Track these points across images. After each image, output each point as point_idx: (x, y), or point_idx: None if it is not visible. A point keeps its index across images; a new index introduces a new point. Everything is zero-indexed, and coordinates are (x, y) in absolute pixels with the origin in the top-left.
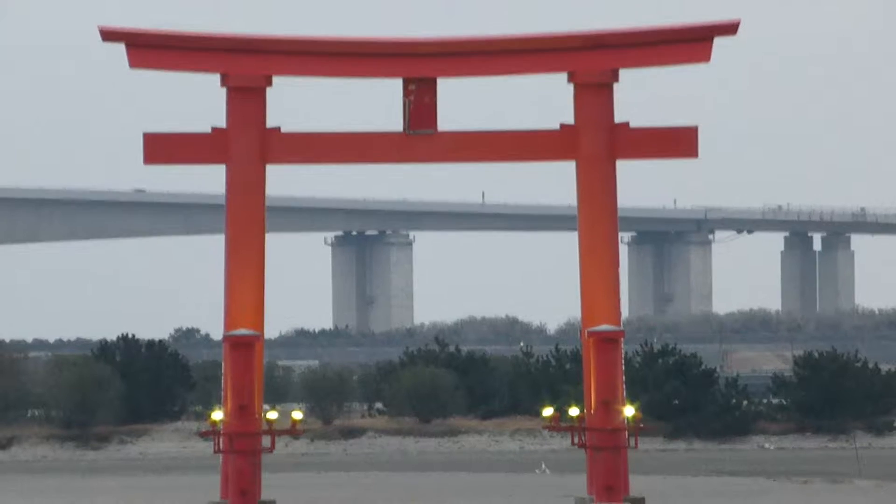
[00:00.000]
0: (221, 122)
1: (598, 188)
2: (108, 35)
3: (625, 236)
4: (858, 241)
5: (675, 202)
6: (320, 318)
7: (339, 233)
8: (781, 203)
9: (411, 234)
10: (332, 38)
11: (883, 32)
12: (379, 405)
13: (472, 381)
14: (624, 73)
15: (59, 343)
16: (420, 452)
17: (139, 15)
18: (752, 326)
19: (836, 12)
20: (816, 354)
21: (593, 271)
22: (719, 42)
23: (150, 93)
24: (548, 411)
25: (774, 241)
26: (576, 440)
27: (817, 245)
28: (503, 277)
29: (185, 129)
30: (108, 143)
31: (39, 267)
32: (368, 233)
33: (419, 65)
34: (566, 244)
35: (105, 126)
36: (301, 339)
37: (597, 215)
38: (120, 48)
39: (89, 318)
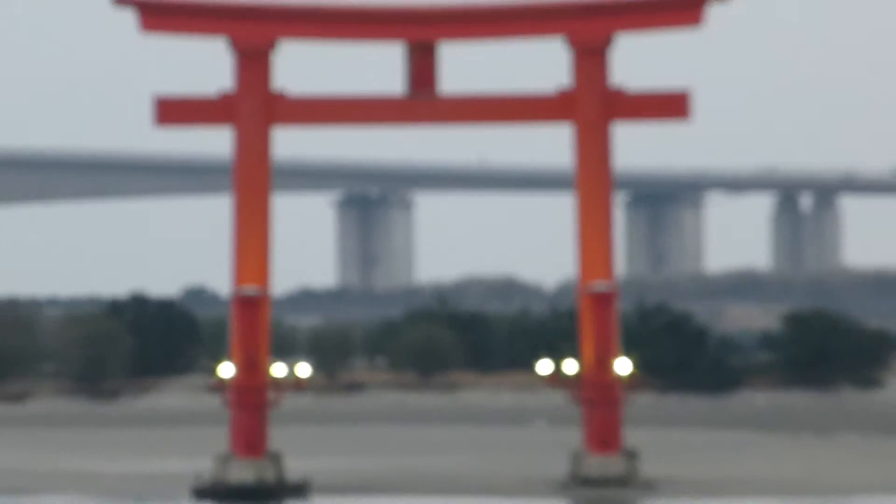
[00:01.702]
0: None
1: (594, 150)
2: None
3: (620, 197)
4: (845, 204)
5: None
6: (325, 276)
7: (343, 195)
8: (772, 165)
9: (412, 195)
10: (335, 3)
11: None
12: (381, 361)
13: (472, 338)
14: (622, 40)
15: (72, 300)
16: (420, 406)
17: None
18: (742, 285)
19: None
20: (804, 312)
21: (589, 231)
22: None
23: (158, 57)
24: (545, 367)
25: (765, 203)
26: (573, 395)
27: (807, 206)
28: (501, 237)
29: (193, 93)
30: (116, 106)
31: (52, 226)
32: (371, 195)
33: (420, 29)
34: (563, 205)
35: (112, 89)
36: (306, 297)
37: (593, 177)
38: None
39: (101, 276)
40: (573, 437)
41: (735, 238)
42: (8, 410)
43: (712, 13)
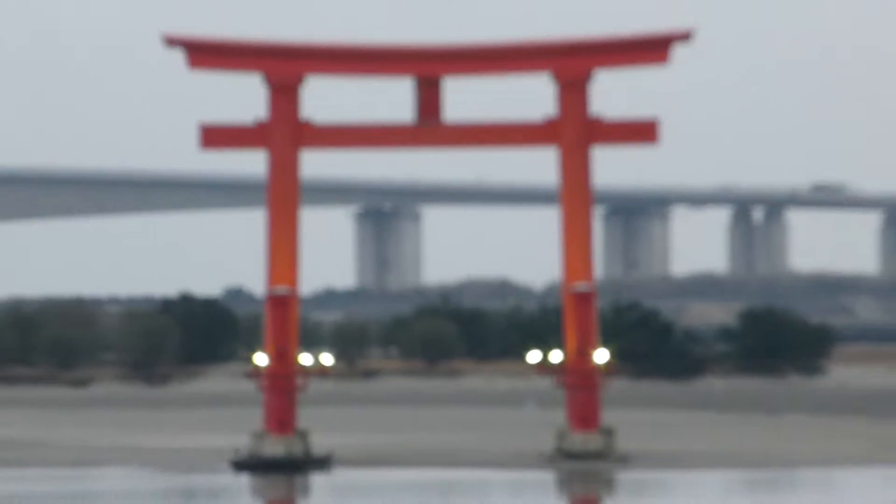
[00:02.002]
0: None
1: (576, 170)
2: (171, 40)
3: (598, 211)
4: (792, 218)
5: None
6: (345, 278)
7: (361, 208)
8: (728, 183)
9: (420, 209)
10: (353, 44)
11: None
12: (394, 351)
13: (471, 331)
14: (600, 75)
15: (130, 299)
16: (427, 390)
17: (178, 18)
18: (703, 286)
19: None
20: (756, 310)
21: (572, 239)
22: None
23: (199, 88)
24: (534, 357)
25: (722, 215)
26: (558, 381)
27: (758, 218)
28: (496, 245)
29: (233, 121)
30: (167, 132)
31: (114, 235)
32: (384, 208)
33: (427, 66)
34: (549, 217)
35: (161, 117)
36: (329, 296)
37: (575, 193)
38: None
39: (155, 279)
40: (558, 416)
41: (696, 246)
42: (74, 394)
43: (677, 52)
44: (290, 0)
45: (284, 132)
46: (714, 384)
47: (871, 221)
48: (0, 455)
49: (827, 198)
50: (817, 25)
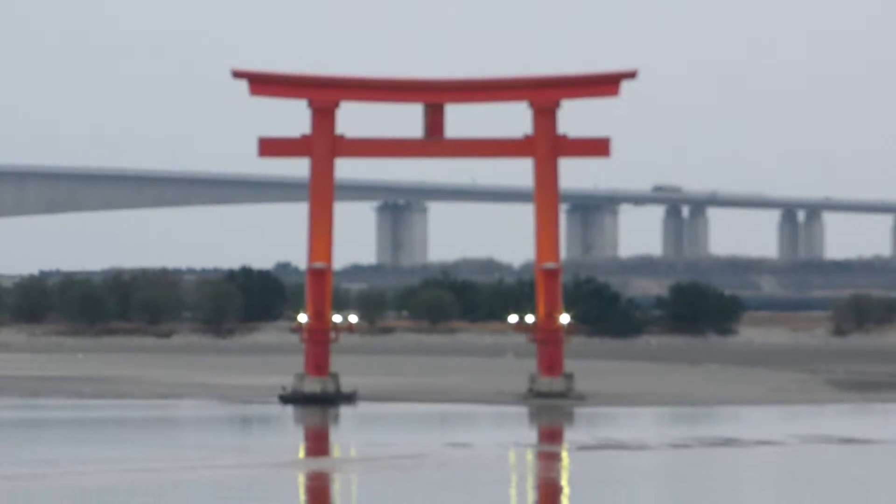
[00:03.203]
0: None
1: (547, 176)
2: (237, 73)
3: (563, 207)
4: (716, 216)
5: (594, 185)
6: (368, 257)
7: (380, 203)
8: (664, 185)
9: (427, 204)
10: (376, 78)
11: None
12: (405, 313)
13: (464, 298)
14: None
15: (203, 270)
16: (430, 343)
17: (239, 55)
18: (643, 265)
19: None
20: (683, 284)
21: (543, 229)
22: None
23: (262, 110)
24: (513, 318)
25: (658, 211)
26: (531, 337)
27: (685, 213)
28: (486, 232)
29: (283, 135)
30: (234, 143)
31: (193, 223)
32: (399, 203)
33: (432, 95)
34: (527, 212)
35: (230, 129)
36: (355, 270)
37: (546, 193)
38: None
39: (223, 255)
40: (530, 365)
41: (638, 234)
42: (160, 343)
43: (626, 85)
44: (327, 37)
45: (323, 144)
46: (650, 341)
47: (772, 217)
48: (106, 388)
49: (738, 199)
50: (726, 70)
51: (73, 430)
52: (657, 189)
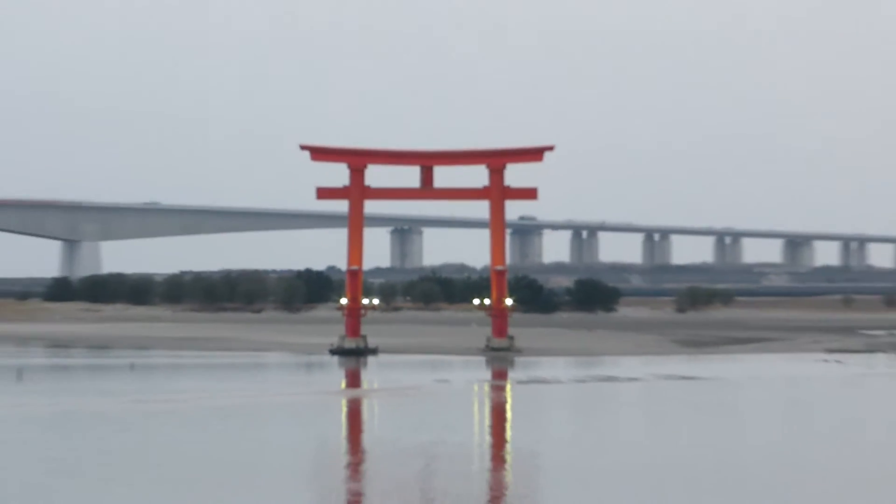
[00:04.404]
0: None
1: (498, 212)
2: (303, 147)
3: (509, 232)
4: (604, 238)
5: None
6: (384, 262)
7: (392, 228)
8: (569, 218)
9: (422, 229)
10: (389, 149)
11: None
12: (408, 298)
13: (446, 289)
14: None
15: (280, 270)
16: (424, 317)
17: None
18: (558, 268)
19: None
20: (583, 280)
21: (495, 245)
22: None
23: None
24: (476, 302)
25: (567, 234)
26: (488, 312)
27: (584, 236)
28: (460, 247)
29: (331, 184)
30: (301, 191)
31: (276, 243)
32: (404, 228)
33: (425, 160)
34: (485, 234)
35: (297, 184)
36: (376, 271)
37: (497, 222)
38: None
39: (294, 261)
40: (487, 331)
41: (554, 249)
42: (254, 317)
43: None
44: (357, 116)
45: (357, 192)
46: (562, 316)
47: (638, 237)
48: (219, 345)
49: (617, 226)
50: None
51: (198, 372)
52: (567, 220)
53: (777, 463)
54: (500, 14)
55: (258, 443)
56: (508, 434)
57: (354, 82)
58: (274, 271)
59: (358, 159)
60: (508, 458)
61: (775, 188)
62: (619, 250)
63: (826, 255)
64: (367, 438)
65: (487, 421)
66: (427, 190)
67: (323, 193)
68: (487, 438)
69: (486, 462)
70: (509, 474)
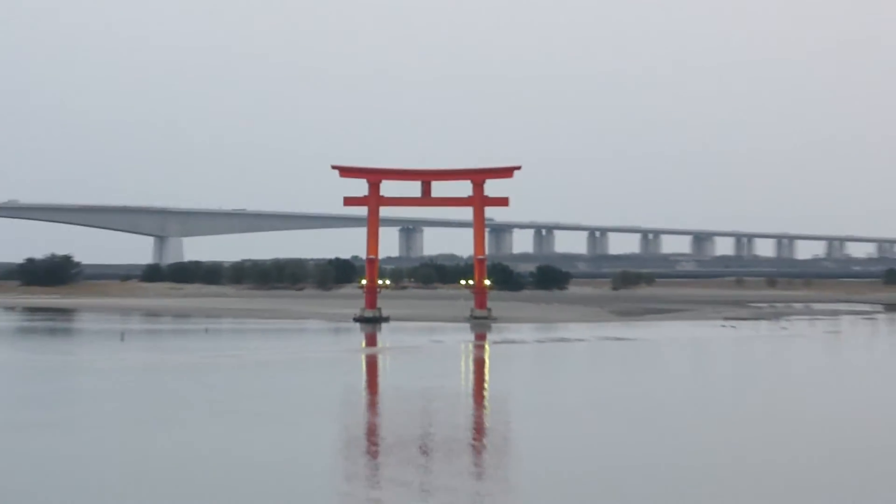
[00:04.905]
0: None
1: (479, 214)
2: (333, 167)
3: (487, 230)
4: (559, 234)
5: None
6: (394, 252)
7: (401, 228)
8: (532, 220)
9: (422, 228)
10: (399, 168)
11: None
12: (412, 279)
13: (440, 272)
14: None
15: (317, 258)
16: (425, 294)
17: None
18: (524, 258)
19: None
20: (543, 266)
21: (478, 240)
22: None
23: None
24: (463, 282)
25: (531, 232)
26: (471, 290)
27: (545, 235)
28: (451, 241)
29: (357, 195)
30: (330, 200)
31: (310, 236)
32: (409, 227)
33: (425, 176)
34: (470, 231)
35: (327, 194)
36: (388, 260)
37: (479, 223)
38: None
39: (327, 251)
40: (471, 304)
41: (520, 243)
42: (297, 293)
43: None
44: (371, 140)
45: (373, 200)
46: (527, 293)
47: (583, 234)
48: (270, 315)
49: (559, 225)
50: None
51: (254, 334)
52: (531, 221)
53: (686, 396)
54: (479, 70)
55: (300, 385)
56: (487, 380)
57: (373, 111)
58: (312, 259)
59: (374, 176)
60: (486, 396)
61: (687, 195)
62: (570, 244)
63: (723, 247)
64: (382, 383)
65: (471, 371)
66: (426, 199)
67: (348, 201)
68: (471, 384)
69: (470, 400)
70: (487, 409)
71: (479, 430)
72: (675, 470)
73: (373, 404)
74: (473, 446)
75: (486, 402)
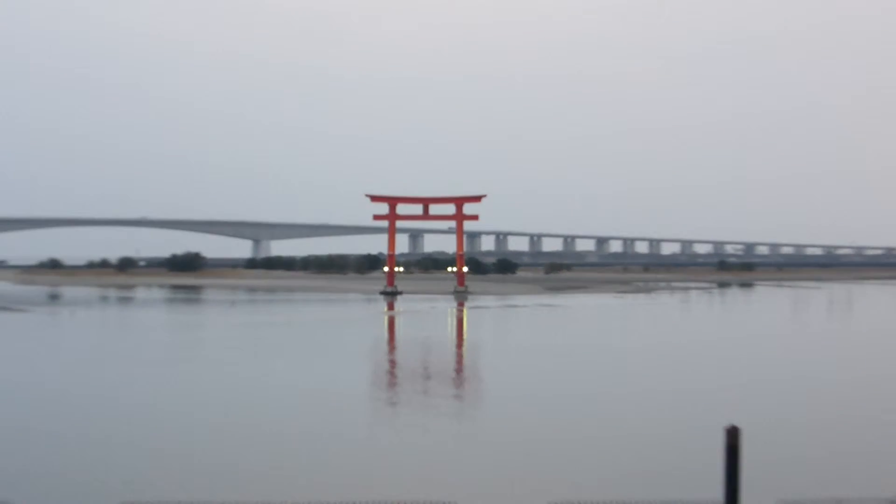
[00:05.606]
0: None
1: (460, 226)
2: (366, 194)
3: (465, 236)
4: (511, 239)
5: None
6: (404, 250)
7: (408, 234)
8: (495, 228)
9: (424, 234)
10: (407, 196)
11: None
12: (416, 268)
13: (436, 263)
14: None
15: (357, 254)
16: (424, 277)
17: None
18: (488, 254)
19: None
20: (500, 259)
21: (459, 242)
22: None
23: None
24: (450, 269)
25: (492, 237)
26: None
27: (502, 238)
28: (443, 244)
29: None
30: (362, 216)
31: (346, 242)
32: (414, 233)
33: (425, 202)
34: (453, 237)
35: (360, 212)
36: (401, 255)
37: (459, 231)
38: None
39: (361, 250)
40: (454, 283)
41: (486, 244)
42: (340, 276)
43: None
44: (391, 166)
45: (392, 216)
46: (490, 276)
47: (525, 239)
48: (325, 290)
49: (518, 232)
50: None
51: (315, 303)
52: (493, 229)
53: (591, 339)
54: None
55: (343, 335)
56: (465, 332)
57: (392, 144)
58: (353, 255)
59: (392, 201)
60: (465, 342)
61: (593, 210)
62: (518, 245)
63: (615, 246)
64: (398, 334)
65: (454, 325)
66: (426, 216)
67: (376, 217)
68: (454, 334)
69: (454, 345)
70: (465, 350)
71: (459, 362)
72: (583, 382)
73: (391, 348)
74: (456, 371)
75: (463, 346)
